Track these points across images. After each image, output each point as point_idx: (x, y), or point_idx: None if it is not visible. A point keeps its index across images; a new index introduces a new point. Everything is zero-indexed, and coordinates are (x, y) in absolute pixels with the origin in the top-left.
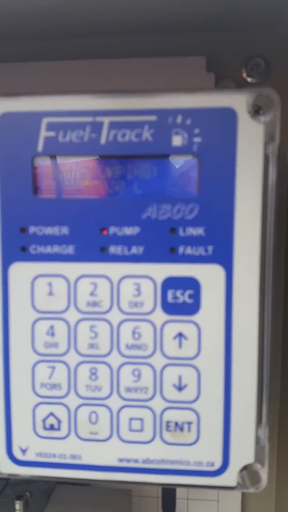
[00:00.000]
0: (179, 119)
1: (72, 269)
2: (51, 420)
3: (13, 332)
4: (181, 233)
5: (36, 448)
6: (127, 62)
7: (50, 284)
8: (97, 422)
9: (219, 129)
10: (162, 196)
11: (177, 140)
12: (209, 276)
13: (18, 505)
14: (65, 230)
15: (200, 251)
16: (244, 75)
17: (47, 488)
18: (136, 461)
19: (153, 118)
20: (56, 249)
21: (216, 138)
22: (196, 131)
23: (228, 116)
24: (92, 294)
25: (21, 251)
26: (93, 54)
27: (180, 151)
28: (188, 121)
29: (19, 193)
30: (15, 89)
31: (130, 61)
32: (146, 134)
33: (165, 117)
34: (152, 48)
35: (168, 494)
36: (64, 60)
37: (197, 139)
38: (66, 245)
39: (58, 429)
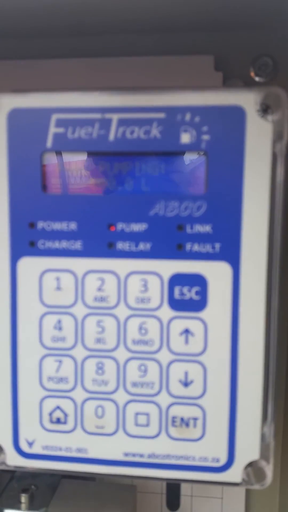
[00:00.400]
0: (187, 117)
1: (80, 264)
2: (58, 414)
3: (21, 326)
4: (188, 230)
5: (42, 441)
6: (135, 60)
7: (58, 279)
8: (103, 416)
9: (228, 127)
10: (170, 193)
11: (185, 138)
12: (216, 273)
13: (23, 498)
14: (73, 225)
15: (207, 248)
16: (252, 74)
17: (52, 482)
18: (141, 455)
19: (161, 115)
20: (64, 244)
21: (224, 136)
22: (205, 128)
23: (236, 114)
24: (99, 289)
25: (30, 246)
26: (101, 52)
27: (188, 148)
28: (197, 119)
29: (28, 188)
30: (23, 86)
31: (138, 60)
32: (155, 131)
33: (173, 114)
34: (160, 47)
35: (173, 490)
36: (72, 58)
37: (205, 137)
38: (74, 241)
39: (65, 422)
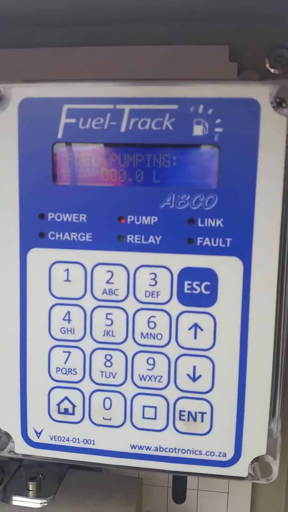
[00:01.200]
0: (200, 109)
1: (89, 256)
2: (66, 404)
3: (31, 317)
4: (199, 224)
5: (50, 431)
6: (149, 49)
7: (67, 270)
8: (111, 408)
9: (241, 120)
10: (181, 186)
11: (198, 130)
12: (227, 268)
13: (31, 486)
14: (83, 217)
15: (218, 242)
16: (267, 65)
17: (59, 472)
18: (148, 448)
19: (174, 106)
20: (73, 236)
21: (237, 129)
22: (218, 121)
23: (250, 107)
24: (108, 282)
25: (40, 237)
26: (115, 41)
27: (200, 141)
28: (210, 111)
29: (38, 179)
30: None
31: (152, 48)
32: (167, 123)
33: (186, 106)
34: (175, 36)
35: (179, 483)
36: (86, 46)
37: (218, 129)
38: (84, 233)
39: (72, 413)
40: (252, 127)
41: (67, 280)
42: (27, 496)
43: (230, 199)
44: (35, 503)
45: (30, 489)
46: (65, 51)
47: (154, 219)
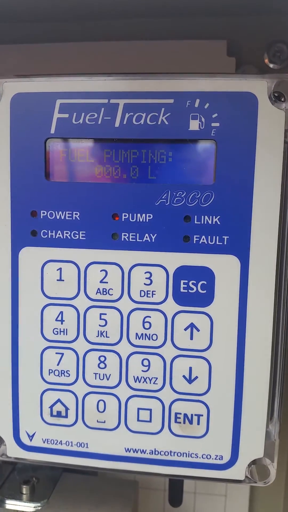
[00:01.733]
0: (197, 103)
1: (83, 255)
2: (59, 407)
3: (22, 317)
4: (195, 221)
5: (43, 434)
6: (146, 44)
7: (60, 269)
8: (105, 411)
9: (238, 114)
10: (176, 183)
11: (194, 125)
12: (224, 267)
13: (25, 489)
14: (76, 215)
15: (215, 240)
16: (266, 60)
17: (53, 475)
18: (143, 451)
19: (170, 101)
20: (66, 234)
21: (235, 123)
22: (214, 115)
23: (248, 102)
24: (102, 281)
25: (32, 235)
26: (112, 36)
27: (197, 135)
28: (206, 105)
29: (31, 176)
30: (28, 70)
31: (149, 43)
32: (162, 118)
33: (182, 100)
34: (173, 31)
35: (175, 486)
36: (81, 41)
37: (215, 124)
38: (77, 231)
39: (66, 416)
40: (249, 121)
41: (60, 279)
42: (20, 499)
43: (227, 196)
44: (29, 507)
45: (24, 492)
46: (62, 47)
47: (149, 216)
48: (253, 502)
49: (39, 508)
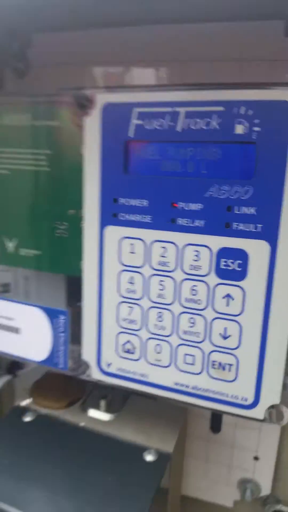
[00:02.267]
0: (242, 110)
1: (149, 234)
2: (128, 346)
3: (105, 279)
4: (236, 211)
5: (117, 364)
6: (204, 27)
7: (132, 245)
8: (161, 353)
9: (276, 120)
10: (223, 178)
11: (239, 129)
12: (257, 250)
13: (102, 403)
14: (144, 202)
15: (251, 227)
16: None
17: (124, 395)
18: (187, 386)
19: (220, 108)
20: (137, 217)
21: (272, 128)
22: (256, 121)
23: (284, 109)
24: (162, 256)
25: (113, 217)
26: (166, 19)
27: (241, 138)
28: (250, 112)
29: (114, 170)
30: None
31: (207, 26)
32: (214, 123)
33: (231, 108)
34: (230, 13)
35: (216, 417)
36: (142, 25)
37: (256, 129)
38: (145, 215)
39: (133, 353)
40: (284, 126)
41: (132, 252)
42: (99, 410)
43: (263, 191)
44: (105, 416)
45: (101, 405)
46: (118, 31)
47: (200, 206)
48: (283, 435)
49: (113, 418)
